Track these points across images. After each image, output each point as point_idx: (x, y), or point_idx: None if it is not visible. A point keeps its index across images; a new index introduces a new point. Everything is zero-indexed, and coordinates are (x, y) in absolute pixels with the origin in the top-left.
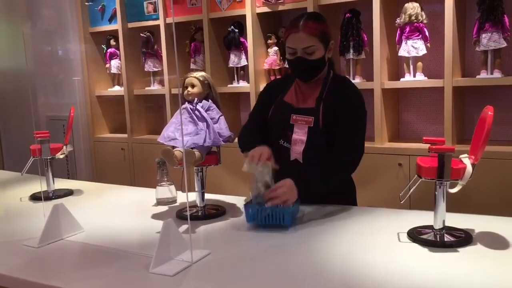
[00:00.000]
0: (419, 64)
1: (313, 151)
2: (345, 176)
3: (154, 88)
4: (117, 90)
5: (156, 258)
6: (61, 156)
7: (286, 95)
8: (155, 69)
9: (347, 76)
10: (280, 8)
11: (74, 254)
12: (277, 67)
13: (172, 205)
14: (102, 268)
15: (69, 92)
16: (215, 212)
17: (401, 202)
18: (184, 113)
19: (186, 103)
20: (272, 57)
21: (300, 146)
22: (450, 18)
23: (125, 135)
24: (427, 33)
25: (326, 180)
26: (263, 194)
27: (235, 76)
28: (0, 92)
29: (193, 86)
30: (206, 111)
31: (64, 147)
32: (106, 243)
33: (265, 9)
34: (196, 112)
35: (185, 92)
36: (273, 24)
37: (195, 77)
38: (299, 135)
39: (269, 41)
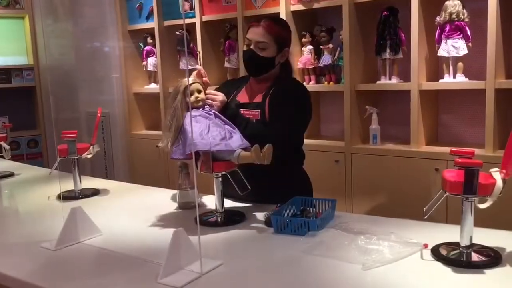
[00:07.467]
0: (460, 64)
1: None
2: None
3: None
4: (153, 87)
5: (165, 268)
6: (88, 156)
7: (238, 94)
8: (190, 67)
9: (384, 76)
10: (315, 6)
11: (88, 259)
12: (311, 66)
13: (194, 209)
14: (113, 276)
15: (108, 89)
16: (235, 219)
17: (425, 218)
18: (208, 118)
19: (200, 109)
20: (306, 56)
21: None
22: (494, 16)
23: (160, 132)
24: (468, 32)
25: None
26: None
27: None
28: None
29: (199, 91)
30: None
31: (91, 147)
32: (121, 248)
33: (300, 7)
34: (218, 116)
35: (193, 98)
36: (307, 22)
37: (199, 83)
38: None
39: (304, 40)
